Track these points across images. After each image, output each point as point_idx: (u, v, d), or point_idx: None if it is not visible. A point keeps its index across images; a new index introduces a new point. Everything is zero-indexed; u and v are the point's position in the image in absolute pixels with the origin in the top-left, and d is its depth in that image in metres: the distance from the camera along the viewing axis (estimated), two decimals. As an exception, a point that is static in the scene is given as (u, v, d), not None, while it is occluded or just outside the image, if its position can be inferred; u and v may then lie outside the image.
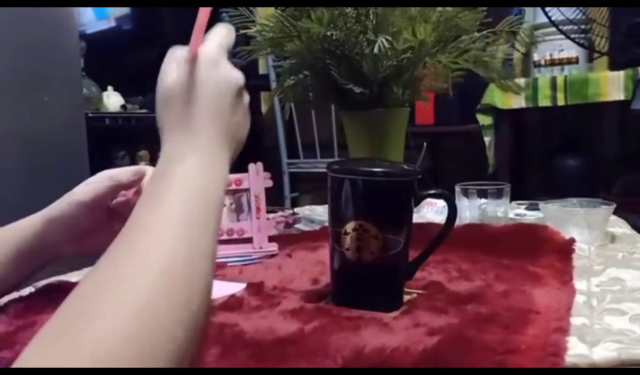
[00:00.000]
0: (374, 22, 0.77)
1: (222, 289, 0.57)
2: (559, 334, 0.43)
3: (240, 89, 0.44)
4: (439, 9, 0.76)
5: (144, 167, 0.60)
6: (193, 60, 0.42)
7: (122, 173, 0.58)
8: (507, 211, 0.85)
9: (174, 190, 0.37)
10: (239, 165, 0.85)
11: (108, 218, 0.58)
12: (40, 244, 0.55)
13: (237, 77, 0.44)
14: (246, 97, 0.46)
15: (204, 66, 0.42)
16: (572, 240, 0.68)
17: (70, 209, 0.56)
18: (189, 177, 0.38)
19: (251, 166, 0.79)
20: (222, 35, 0.45)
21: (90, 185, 0.57)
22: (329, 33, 0.76)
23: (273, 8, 0.85)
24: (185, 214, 0.36)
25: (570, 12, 1.77)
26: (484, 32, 0.80)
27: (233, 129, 0.43)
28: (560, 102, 1.85)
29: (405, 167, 0.54)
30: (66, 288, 0.56)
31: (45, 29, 1.72)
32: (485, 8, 0.79)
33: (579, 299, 0.51)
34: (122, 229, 0.34)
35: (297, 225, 0.94)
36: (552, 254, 0.66)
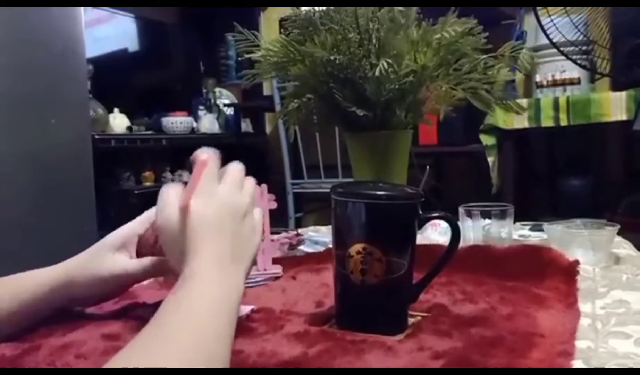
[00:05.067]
0: (377, 46, 0.79)
1: None
2: (564, 358, 0.43)
3: (242, 213, 0.48)
4: (437, 35, 0.78)
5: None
6: (185, 209, 0.46)
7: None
8: (510, 232, 0.85)
9: (183, 304, 0.41)
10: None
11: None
12: (59, 300, 0.56)
13: (239, 202, 0.49)
14: (252, 217, 0.50)
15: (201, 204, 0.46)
16: (577, 262, 0.68)
17: (94, 282, 0.56)
18: (190, 296, 0.42)
19: (256, 188, 0.80)
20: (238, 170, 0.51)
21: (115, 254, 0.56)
22: (332, 57, 0.77)
23: (278, 32, 0.86)
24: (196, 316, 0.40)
25: (571, 34, 1.79)
26: (485, 56, 0.81)
27: (239, 247, 0.47)
28: (563, 122, 1.86)
29: (409, 189, 0.54)
30: (72, 313, 0.57)
31: (53, 52, 1.75)
32: (486, 34, 0.81)
33: (583, 321, 0.51)
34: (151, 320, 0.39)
35: (301, 247, 0.94)
36: (556, 275, 0.65)
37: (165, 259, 0.52)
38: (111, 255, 0.56)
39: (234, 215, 0.47)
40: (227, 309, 0.42)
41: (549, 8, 1.74)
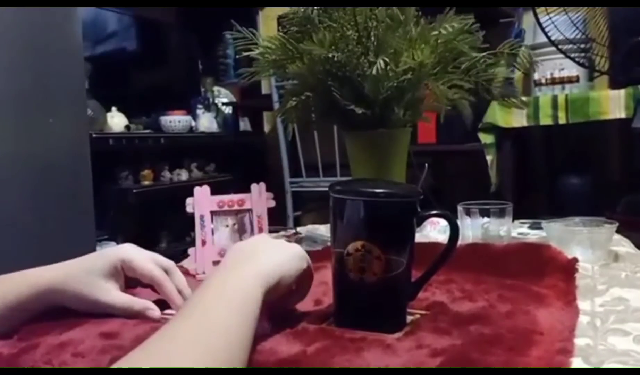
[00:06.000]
0: (375, 44, 0.78)
1: None
2: (563, 355, 0.43)
3: (302, 256, 0.53)
4: (435, 32, 0.77)
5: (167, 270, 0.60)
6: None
7: (146, 269, 0.57)
8: (509, 230, 0.84)
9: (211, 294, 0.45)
10: (242, 184, 0.86)
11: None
12: (45, 305, 0.55)
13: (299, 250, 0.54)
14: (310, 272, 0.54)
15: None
16: (576, 260, 0.68)
17: (80, 301, 0.55)
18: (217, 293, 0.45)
19: (254, 187, 0.80)
20: None
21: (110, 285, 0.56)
22: (330, 55, 0.77)
23: (276, 30, 0.86)
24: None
25: (569, 32, 1.79)
26: (484, 54, 0.81)
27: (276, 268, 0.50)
28: (562, 120, 1.86)
29: (407, 187, 0.54)
30: (69, 311, 0.57)
31: (51, 51, 1.74)
32: (483, 31, 0.80)
33: (582, 319, 0.51)
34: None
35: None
36: (555, 273, 0.65)
37: (152, 308, 0.56)
38: (102, 283, 0.55)
39: (293, 256, 0.52)
40: (235, 302, 0.43)
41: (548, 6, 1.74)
